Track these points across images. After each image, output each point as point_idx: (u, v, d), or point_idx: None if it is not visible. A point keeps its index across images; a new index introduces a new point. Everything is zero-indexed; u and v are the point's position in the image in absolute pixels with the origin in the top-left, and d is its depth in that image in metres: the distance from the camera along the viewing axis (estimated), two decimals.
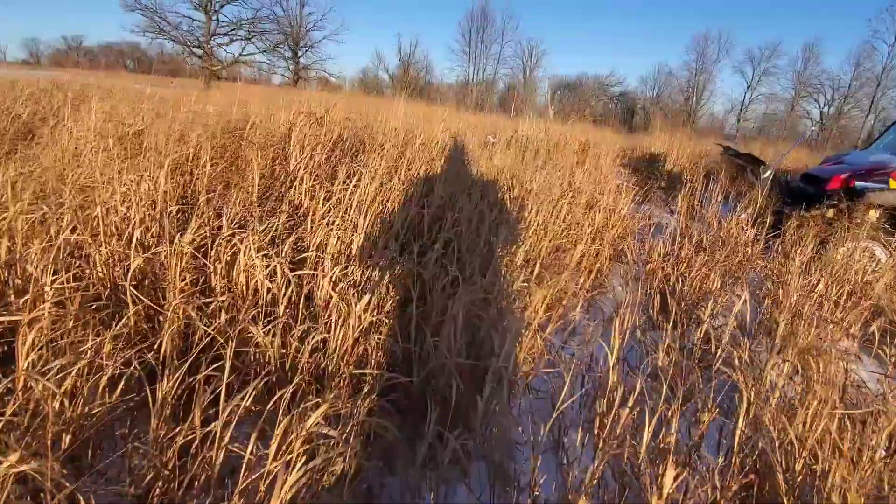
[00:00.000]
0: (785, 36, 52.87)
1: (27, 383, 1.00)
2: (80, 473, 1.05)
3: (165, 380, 1.07)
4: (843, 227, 3.26)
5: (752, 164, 4.25)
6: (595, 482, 1.04)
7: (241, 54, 27.52)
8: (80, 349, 1.08)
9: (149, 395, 1.03)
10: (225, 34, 26.88)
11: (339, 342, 1.42)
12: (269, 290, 1.47)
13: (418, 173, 2.64)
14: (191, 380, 1.12)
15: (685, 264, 2.59)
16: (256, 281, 1.44)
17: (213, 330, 1.20)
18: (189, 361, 1.12)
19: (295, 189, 2.10)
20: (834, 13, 46.12)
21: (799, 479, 1.07)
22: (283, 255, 1.59)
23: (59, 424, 1.03)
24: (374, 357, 1.50)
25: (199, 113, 3.06)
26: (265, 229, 1.66)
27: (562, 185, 3.12)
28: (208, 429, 1.01)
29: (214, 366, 1.12)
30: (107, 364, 1.06)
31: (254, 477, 0.94)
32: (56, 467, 0.89)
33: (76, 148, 2.26)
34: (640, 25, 58.44)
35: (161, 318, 1.27)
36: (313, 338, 1.37)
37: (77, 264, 1.49)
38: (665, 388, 1.17)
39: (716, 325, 2.02)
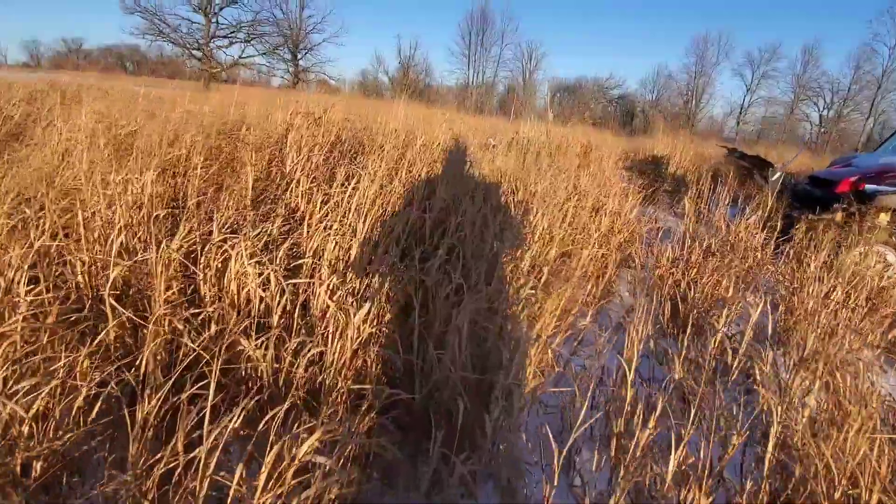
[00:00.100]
0: (784, 37, 52.79)
1: None
2: None
3: (146, 399, 0.98)
4: (855, 232, 3.18)
5: (759, 167, 4.18)
6: None
7: (240, 57, 27.53)
8: (53, 367, 0.99)
9: (127, 417, 0.94)
10: (224, 36, 26.89)
11: (336, 355, 1.33)
12: (261, 299, 1.38)
13: (419, 175, 2.56)
14: (175, 399, 1.03)
15: (695, 270, 2.50)
16: (249, 290, 1.36)
17: (198, 345, 1.11)
18: (173, 379, 1.03)
19: (291, 192, 2.02)
20: (833, 14, 46.23)
21: None
22: (278, 261, 1.50)
23: (29, 450, 0.94)
24: (373, 370, 1.41)
25: (194, 113, 2.98)
26: (259, 234, 1.57)
27: (566, 188, 3.04)
28: (192, 454, 0.92)
29: (201, 383, 1.03)
30: (81, 384, 0.97)
31: None
32: (24, 500, 0.81)
33: (66, 149, 2.18)
34: (639, 26, 58.49)
35: (145, 332, 1.19)
36: (309, 351, 1.29)
37: (59, 272, 1.40)
38: (691, 407, 1.08)
39: (730, 334, 1.94)
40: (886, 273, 2.85)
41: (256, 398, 1.10)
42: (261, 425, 1.01)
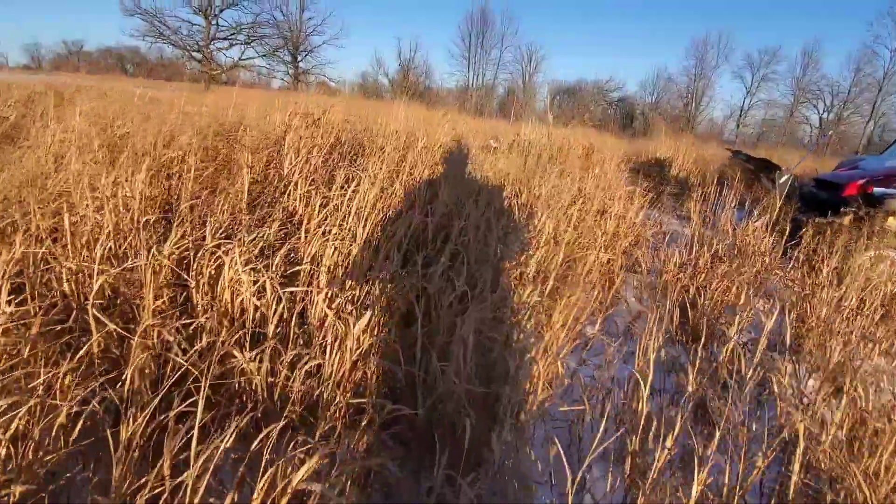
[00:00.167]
0: (784, 38, 52.74)
1: None
2: None
3: (131, 418, 0.92)
4: (863, 235, 3.12)
5: (765, 170, 4.12)
6: None
7: (240, 58, 27.52)
8: (33, 384, 0.92)
9: (109, 438, 0.88)
10: (224, 38, 26.88)
11: (335, 367, 1.27)
12: (256, 308, 1.32)
13: (421, 178, 2.50)
14: (162, 417, 0.97)
15: (703, 275, 2.44)
16: (243, 298, 1.29)
17: (188, 358, 1.05)
18: (161, 395, 0.97)
19: (289, 195, 1.96)
20: (833, 14, 46.17)
21: None
22: (274, 268, 1.44)
23: (6, 474, 0.88)
24: (374, 383, 1.35)
25: (191, 114, 2.92)
26: (254, 239, 1.51)
27: (571, 191, 2.98)
28: (180, 479, 0.85)
29: (190, 400, 0.97)
30: (61, 403, 0.91)
31: None
32: None
33: (59, 152, 2.12)
34: (639, 27, 58.42)
35: (132, 343, 1.12)
36: (306, 363, 1.22)
37: (46, 279, 1.34)
38: (707, 423, 1.01)
39: (741, 342, 1.87)
40: None
41: (250, 414, 1.04)
42: (254, 444, 0.95)
